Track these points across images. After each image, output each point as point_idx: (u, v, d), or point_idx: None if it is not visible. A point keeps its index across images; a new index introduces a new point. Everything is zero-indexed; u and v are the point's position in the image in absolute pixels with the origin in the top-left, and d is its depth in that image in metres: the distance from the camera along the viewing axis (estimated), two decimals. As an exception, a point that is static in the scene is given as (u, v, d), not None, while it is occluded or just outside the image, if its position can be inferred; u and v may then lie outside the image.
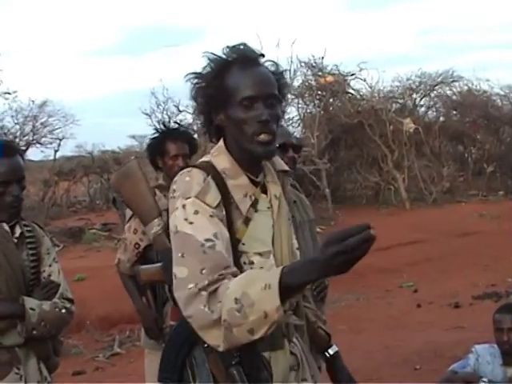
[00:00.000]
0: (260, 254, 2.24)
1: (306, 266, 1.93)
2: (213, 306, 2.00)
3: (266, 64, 2.34)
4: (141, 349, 7.73)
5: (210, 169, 2.27)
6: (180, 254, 2.12)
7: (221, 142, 2.35)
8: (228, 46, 2.31)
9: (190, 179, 2.22)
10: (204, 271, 2.05)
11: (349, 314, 9.39)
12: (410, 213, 19.24)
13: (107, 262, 10.91)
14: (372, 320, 9.14)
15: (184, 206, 2.17)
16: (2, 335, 3.11)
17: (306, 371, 2.40)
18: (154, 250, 3.98)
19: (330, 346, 2.67)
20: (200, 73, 2.32)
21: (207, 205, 2.17)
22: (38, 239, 3.34)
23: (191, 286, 2.04)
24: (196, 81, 2.32)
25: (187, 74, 2.33)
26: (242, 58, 2.28)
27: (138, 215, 2.98)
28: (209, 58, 2.31)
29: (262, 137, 2.23)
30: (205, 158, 2.36)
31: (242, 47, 2.30)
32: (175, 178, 2.27)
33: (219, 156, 2.32)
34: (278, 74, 2.35)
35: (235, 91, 2.24)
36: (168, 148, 4.43)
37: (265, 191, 2.35)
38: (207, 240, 2.10)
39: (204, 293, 2.02)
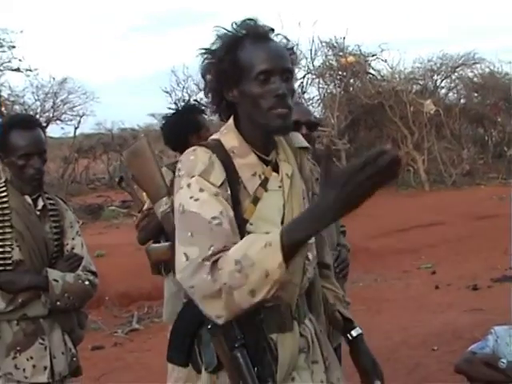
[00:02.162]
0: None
1: (306, 216, 1.89)
2: (215, 275, 1.95)
3: (277, 38, 2.28)
4: (159, 325, 7.80)
5: (217, 147, 2.22)
6: (190, 234, 2.08)
7: (230, 120, 2.30)
8: (237, 22, 2.25)
9: (194, 158, 2.18)
10: (212, 248, 2.01)
11: (367, 295, 9.37)
12: (429, 194, 19.17)
13: (126, 238, 10.96)
14: (390, 301, 9.12)
15: (189, 185, 2.13)
16: (26, 306, 3.16)
17: (316, 353, 2.35)
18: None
19: (353, 328, 2.58)
20: (210, 49, 2.26)
21: (211, 184, 2.13)
22: (60, 212, 3.36)
23: (199, 260, 2.00)
24: (207, 56, 2.26)
25: (198, 50, 2.27)
26: (254, 33, 2.22)
27: (147, 193, 2.98)
28: (218, 34, 2.25)
29: (280, 110, 2.17)
30: (214, 136, 2.31)
31: (251, 22, 2.25)
32: (181, 157, 2.24)
33: (228, 134, 2.27)
34: (290, 49, 2.30)
35: (250, 65, 2.17)
36: (203, 121, 4.42)
37: (276, 170, 2.29)
38: (214, 218, 2.06)
39: (207, 263, 1.98)
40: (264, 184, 2.24)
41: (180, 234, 2.11)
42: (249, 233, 2.13)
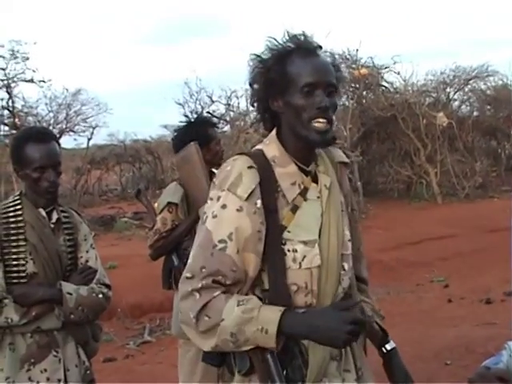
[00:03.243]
0: (304, 243, 2.25)
1: (306, 323, 2.16)
2: (199, 316, 2.16)
3: (324, 55, 2.37)
4: (171, 337, 7.80)
5: (258, 156, 2.31)
6: (196, 244, 2.26)
7: (273, 132, 2.39)
8: (287, 35, 2.34)
9: (230, 168, 2.27)
10: (203, 270, 2.18)
11: (380, 308, 9.34)
12: (441, 207, 19.10)
13: (138, 250, 10.98)
14: (403, 314, 9.08)
15: (218, 198, 2.24)
16: (40, 319, 3.16)
17: (349, 362, 2.39)
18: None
19: (388, 342, 2.63)
20: (261, 57, 2.35)
21: (238, 197, 2.22)
22: (75, 225, 3.37)
23: (188, 275, 2.19)
24: (257, 65, 2.35)
25: (250, 56, 2.37)
26: (303, 47, 2.32)
27: (192, 198, 3.04)
28: (269, 45, 2.34)
29: (318, 125, 2.26)
30: (258, 147, 2.40)
31: (301, 37, 2.34)
32: (223, 164, 2.33)
33: (270, 145, 2.36)
34: (335, 66, 2.38)
35: (296, 77, 2.27)
36: (214, 134, 4.46)
37: (316, 181, 2.37)
38: (221, 241, 2.20)
39: (197, 295, 2.17)
40: (303, 193, 2.33)
41: (195, 240, 2.28)
42: (286, 239, 2.25)
